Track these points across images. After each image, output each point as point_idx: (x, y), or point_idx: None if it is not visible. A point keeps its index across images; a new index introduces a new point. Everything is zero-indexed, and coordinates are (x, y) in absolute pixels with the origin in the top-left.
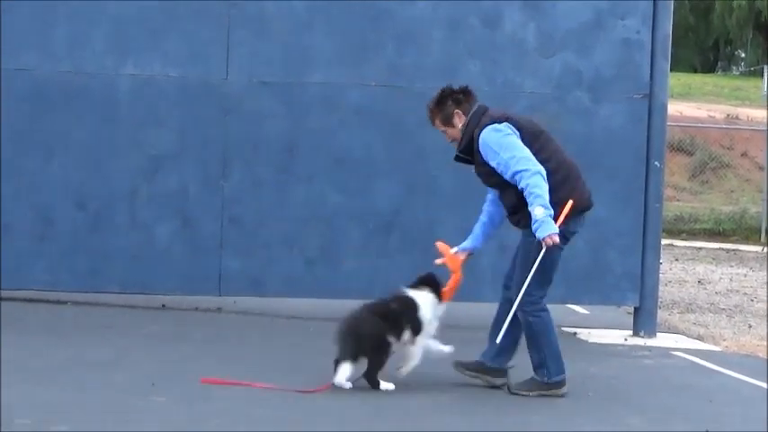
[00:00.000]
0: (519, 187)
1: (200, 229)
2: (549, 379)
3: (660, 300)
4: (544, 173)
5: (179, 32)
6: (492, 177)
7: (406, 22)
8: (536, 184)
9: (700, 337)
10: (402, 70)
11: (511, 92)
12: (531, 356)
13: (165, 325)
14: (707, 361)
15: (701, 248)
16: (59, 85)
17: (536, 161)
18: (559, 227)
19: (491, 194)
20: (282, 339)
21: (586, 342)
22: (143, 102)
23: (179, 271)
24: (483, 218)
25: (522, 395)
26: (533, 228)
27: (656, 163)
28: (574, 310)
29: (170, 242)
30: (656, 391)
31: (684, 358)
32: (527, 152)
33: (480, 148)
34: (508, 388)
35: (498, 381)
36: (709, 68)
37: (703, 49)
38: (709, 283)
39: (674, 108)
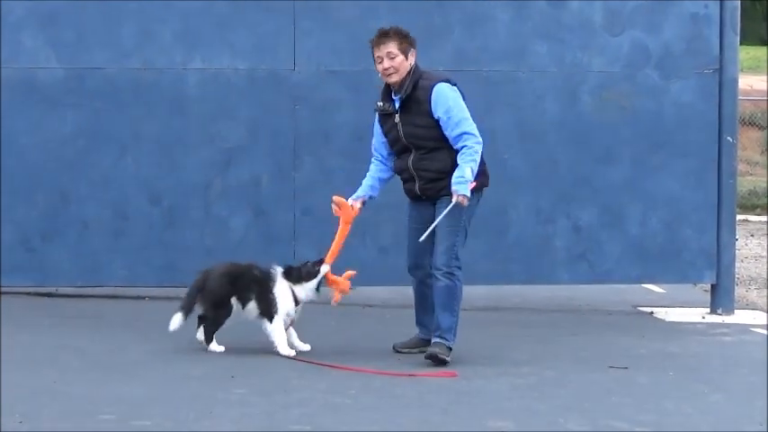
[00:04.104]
0: (458, 146)
1: (273, 220)
2: (452, 343)
3: (737, 276)
4: None
5: (245, 25)
6: (431, 131)
7: (472, 4)
8: (477, 151)
9: None
10: (469, 54)
11: (579, 71)
12: (440, 320)
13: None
14: None
15: None
16: (129, 81)
17: None
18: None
19: (381, 158)
20: (358, 328)
21: (664, 321)
22: (212, 95)
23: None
24: (376, 174)
25: (441, 359)
26: (456, 181)
27: (729, 138)
28: (649, 290)
29: (245, 234)
30: (736, 368)
31: (764, 334)
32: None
33: (434, 99)
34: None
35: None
36: None
37: None
38: None
39: (744, 82)
